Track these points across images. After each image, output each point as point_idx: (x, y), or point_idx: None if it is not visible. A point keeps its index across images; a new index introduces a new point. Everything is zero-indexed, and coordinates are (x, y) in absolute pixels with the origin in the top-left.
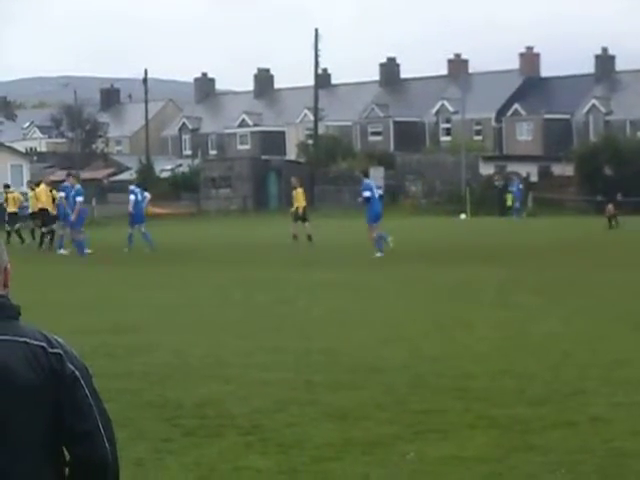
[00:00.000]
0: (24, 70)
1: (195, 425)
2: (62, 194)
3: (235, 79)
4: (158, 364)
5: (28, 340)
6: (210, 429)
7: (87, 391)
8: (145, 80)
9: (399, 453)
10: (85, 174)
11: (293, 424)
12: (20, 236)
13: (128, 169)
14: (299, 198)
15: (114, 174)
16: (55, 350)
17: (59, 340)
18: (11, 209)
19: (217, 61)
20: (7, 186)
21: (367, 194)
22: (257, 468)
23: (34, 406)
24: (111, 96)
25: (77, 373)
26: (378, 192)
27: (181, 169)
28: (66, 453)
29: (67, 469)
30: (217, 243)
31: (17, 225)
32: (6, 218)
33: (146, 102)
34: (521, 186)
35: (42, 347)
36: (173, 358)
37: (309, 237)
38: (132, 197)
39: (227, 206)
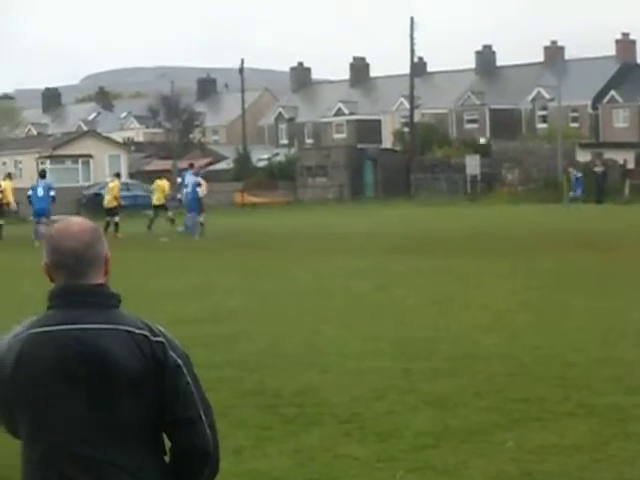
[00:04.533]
0: (121, 61)
1: (294, 413)
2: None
3: (331, 68)
4: (257, 352)
5: (131, 328)
6: (309, 417)
7: (189, 379)
8: (241, 70)
9: (498, 441)
10: (182, 164)
11: (391, 412)
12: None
13: (225, 158)
14: None
15: (211, 164)
16: (157, 338)
17: (161, 328)
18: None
19: (313, 50)
20: (118, 175)
21: None
22: (355, 456)
23: (137, 394)
24: (208, 86)
25: (179, 361)
26: None
27: (277, 158)
28: (167, 440)
29: (168, 456)
30: (313, 232)
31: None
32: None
33: (242, 92)
34: (580, 175)
35: (145, 335)
36: (271, 346)
37: None
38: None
39: (323, 195)
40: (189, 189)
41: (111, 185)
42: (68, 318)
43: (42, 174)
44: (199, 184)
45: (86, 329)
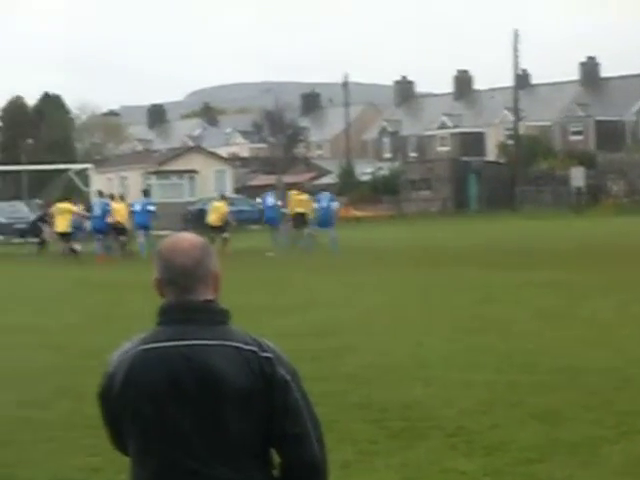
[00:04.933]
0: (226, 77)
1: (401, 427)
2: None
3: (434, 81)
4: (363, 366)
5: (239, 344)
6: (415, 431)
7: (297, 394)
8: (345, 84)
9: (604, 455)
10: (287, 178)
11: (497, 426)
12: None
13: (329, 173)
14: None
15: (315, 178)
16: (266, 354)
17: (269, 344)
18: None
19: (416, 64)
20: (223, 196)
21: None
22: (462, 470)
23: (246, 410)
24: (312, 101)
25: (288, 377)
26: None
27: (381, 172)
28: (275, 455)
29: (276, 471)
30: (417, 245)
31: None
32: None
33: (346, 106)
34: None
35: (253, 351)
36: (377, 359)
37: None
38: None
39: (427, 208)
40: (324, 204)
41: (217, 205)
42: (177, 334)
43: (145, 193)
44: (333, 199)
45: (195, 345)
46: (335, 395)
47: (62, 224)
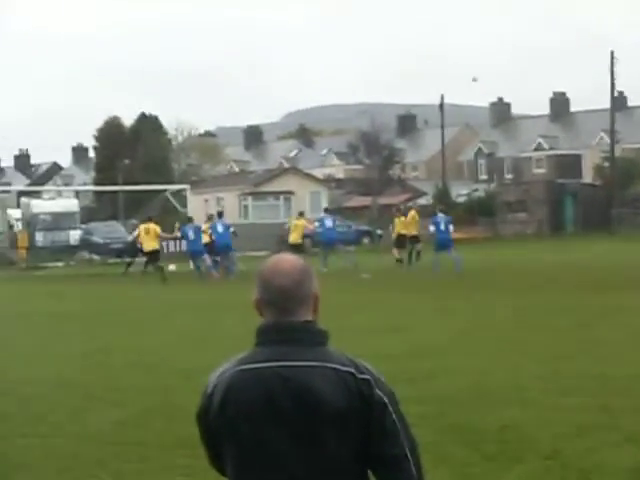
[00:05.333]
0: (322, 98)
1: (496, 450)
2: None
3: (531, 103)
4: (458, 388)
5: (337, 366)
6: (511, 454)
7: (394, 416)
8: (441, 105)
9: None
10: (382, 200)
11: (592, 449)
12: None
13: (424, 194)
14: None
15: (411, 199)
16: (363, 376)
17: (367, 366)
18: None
19: (512, 85)
20: (302, 213)
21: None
22: None
23: (343, 431)
24: (407, 122)
25: (385, 399)
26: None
27: (477, 193)
28: (372, 477)
29: None
30: (513, 267)
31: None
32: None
33: (442, 127)
34: None
35: (351, 373)
36: (472, 382)
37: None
38: (432, 227)
39: (523, 230)
40: (442, 226)
41: (297, 223)
42: (275, 355)
43: (219, 214)
44: (450, 221)
45: (293, 366)
46: (430, 417)
47: (149, 244)
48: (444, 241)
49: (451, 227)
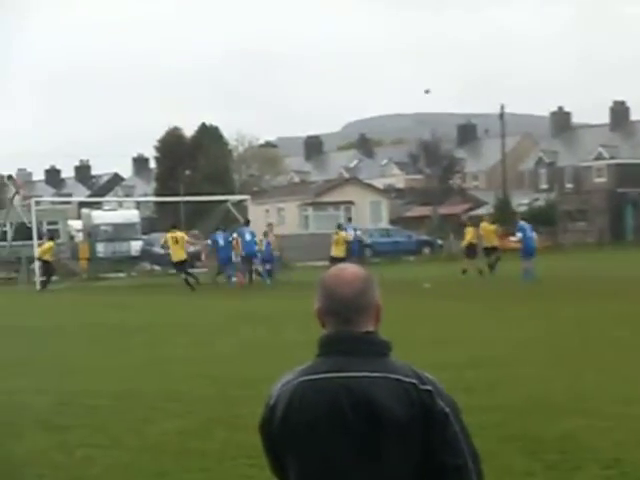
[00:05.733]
0: (381, 107)
1: (557, 459)
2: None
3: (591, 112)
4: (518, 397)
5: (399, 377)
6: (571, 463)
7: (457, 427)
8: (502, 115)
9: None
10: (442, 210)
11: None
12: None
13: (485, 204)
14: None
15: (471, 209)
16: (425, 387)
17: (429, 376)
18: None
19: (572, 94)
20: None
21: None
22: None
23: (405, 442)
24: (468, 132)
25: (447, 409)
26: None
27: (537, 203)
28: None
29: None
30: (573, 276)
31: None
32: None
33: (503, 137)
34: None
35: (413, 384)
36: (533, 391)
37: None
38: (519, 234)
39: (583, 239)
40: (529, 234)
41: (343, 235)
42: (338, 366)
43: (247, 222)
44: (533, 229)
45: (356, 377)
46: (491, 427)
47: (178, 254)
48: (532, 249)
49: (534, 234)
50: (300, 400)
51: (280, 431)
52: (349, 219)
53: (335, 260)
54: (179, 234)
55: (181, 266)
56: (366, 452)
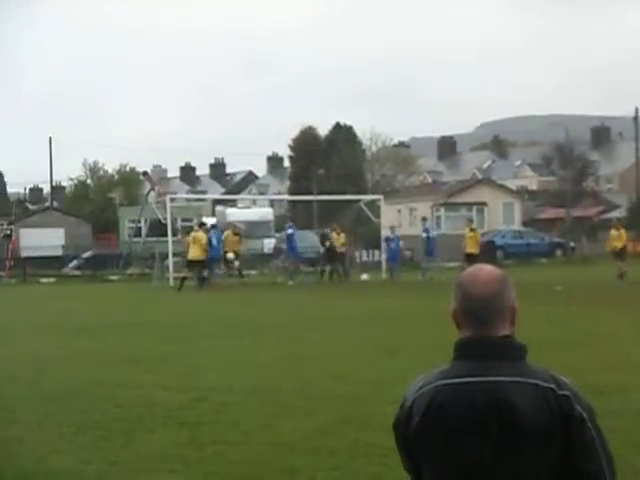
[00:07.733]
0: (516, 109)
1: None
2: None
3: None
4: None
5: (537, 382)
6: None
7: (593, 431)
8: (636, 118)
9: None
10: (575, 212)
11: None
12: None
13: (618, 207)
14: None
15: (604, 212)
16: (564, 392)
17: (566, 381)
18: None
19: None
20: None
21: None
22: None
23: (540, 447)
24: (602, 134)
25: (584, 414)
26: None
27: None
28: None
29: None
30: None
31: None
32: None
33: (637, 140)
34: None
35: (552, 389)
36: None
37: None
38: None
39: None
40: None
41: (471, 235)
42: (478, 370)
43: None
44: None
45: (495, 382)
46: (622, 430)
47: (194, 252)
48: None
49: None
50: (440, 404)
51: (417, 434)
52: (423, 219)
53: (468, 257)
54: (200, 235)
55: (195, 265)
56: (504, 457)
